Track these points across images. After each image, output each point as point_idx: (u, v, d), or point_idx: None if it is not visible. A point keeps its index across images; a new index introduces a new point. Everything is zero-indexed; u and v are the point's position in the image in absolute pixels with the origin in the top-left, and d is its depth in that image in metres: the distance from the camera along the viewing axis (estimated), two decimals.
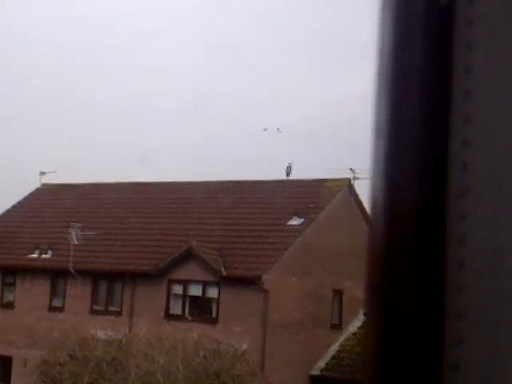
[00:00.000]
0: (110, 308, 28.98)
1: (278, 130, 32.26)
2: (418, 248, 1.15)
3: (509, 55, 1.14)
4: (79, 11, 55.91)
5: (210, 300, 27.29)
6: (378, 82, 1.22)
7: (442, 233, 1.14)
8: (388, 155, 1.19)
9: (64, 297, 29.94)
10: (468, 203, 1.14)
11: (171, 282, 27.75)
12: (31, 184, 36.45)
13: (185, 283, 27.61)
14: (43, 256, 30.67)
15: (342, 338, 28.13)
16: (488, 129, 1.15)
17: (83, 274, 29.11)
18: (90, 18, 57.14)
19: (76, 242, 29.61)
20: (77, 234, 29.91)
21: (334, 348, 27.84)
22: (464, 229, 1.13)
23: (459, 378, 1.12)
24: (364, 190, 28.66)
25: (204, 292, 27.35)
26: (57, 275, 30.03)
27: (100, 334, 25.51)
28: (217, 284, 26.92)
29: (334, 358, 27.54)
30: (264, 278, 26.01)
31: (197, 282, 27.42)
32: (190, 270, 27.42)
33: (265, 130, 32.11)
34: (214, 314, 27.04)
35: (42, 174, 35.86)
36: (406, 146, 1.18)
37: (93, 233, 30.14)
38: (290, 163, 31.43)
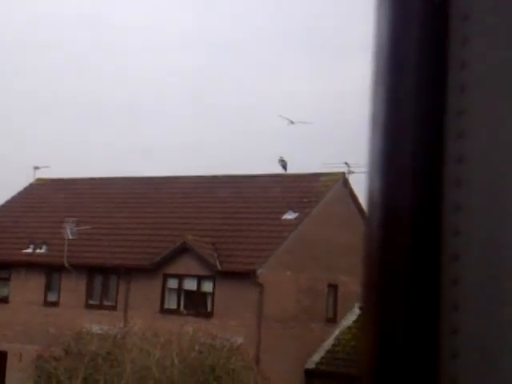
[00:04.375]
0: (105, 302, 28.98)
1: (291, 122, 31.55)
2: (413, 243, 1.16)
3: (504, 50, 1.15)
4: (76, 9, 55.86)
5: (205, 294, 27.31)
6: (374, 76, 1.23)
7: (437, 226, 1.15)
8: (384, 150, 1.20)
9: (59, 291, 29.93)
10: (463, 195, 1.15)
11: (166, 276, 27.77)
12: (25, 179, 36.44)
13: (180, 277, 27.62)
14: (38, 251, 30.65)
15: (336, 332, 28.17)
16: (483, 122, 1.16)
17: (78, 268, 29.10)
18: (88, 17, 57.10)
19: (71, 237, 29.59)
20: (71, 229, 29.90)
21: (329, 342, 27.88)
22: (458, 222, 1.15)
23: (456, 369, 1.14)
24: (359, 184, 28.69)
25: (199, 286, 27.37)
26: (52, 270, 30.02)
27: (95, 328, 25.52)
28: (212, 278, 26.94)
29: (328, 351, 27.58)
30: (259, 272, 26.04)
31: (192, 276, 27.44)
32: (185, 265, 27.43)
33: None
34: (209, 309, 27.06)
35: (36, 168, 35.80)
36: (401, 140, 1.19)
37: (87, 227, 30.12)
38: (282, 157, 31.32)
